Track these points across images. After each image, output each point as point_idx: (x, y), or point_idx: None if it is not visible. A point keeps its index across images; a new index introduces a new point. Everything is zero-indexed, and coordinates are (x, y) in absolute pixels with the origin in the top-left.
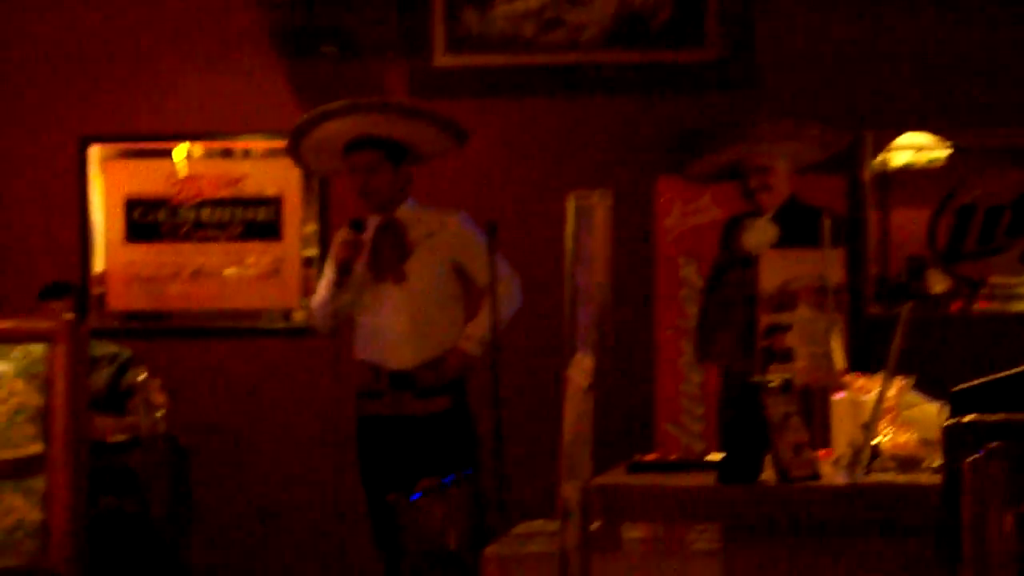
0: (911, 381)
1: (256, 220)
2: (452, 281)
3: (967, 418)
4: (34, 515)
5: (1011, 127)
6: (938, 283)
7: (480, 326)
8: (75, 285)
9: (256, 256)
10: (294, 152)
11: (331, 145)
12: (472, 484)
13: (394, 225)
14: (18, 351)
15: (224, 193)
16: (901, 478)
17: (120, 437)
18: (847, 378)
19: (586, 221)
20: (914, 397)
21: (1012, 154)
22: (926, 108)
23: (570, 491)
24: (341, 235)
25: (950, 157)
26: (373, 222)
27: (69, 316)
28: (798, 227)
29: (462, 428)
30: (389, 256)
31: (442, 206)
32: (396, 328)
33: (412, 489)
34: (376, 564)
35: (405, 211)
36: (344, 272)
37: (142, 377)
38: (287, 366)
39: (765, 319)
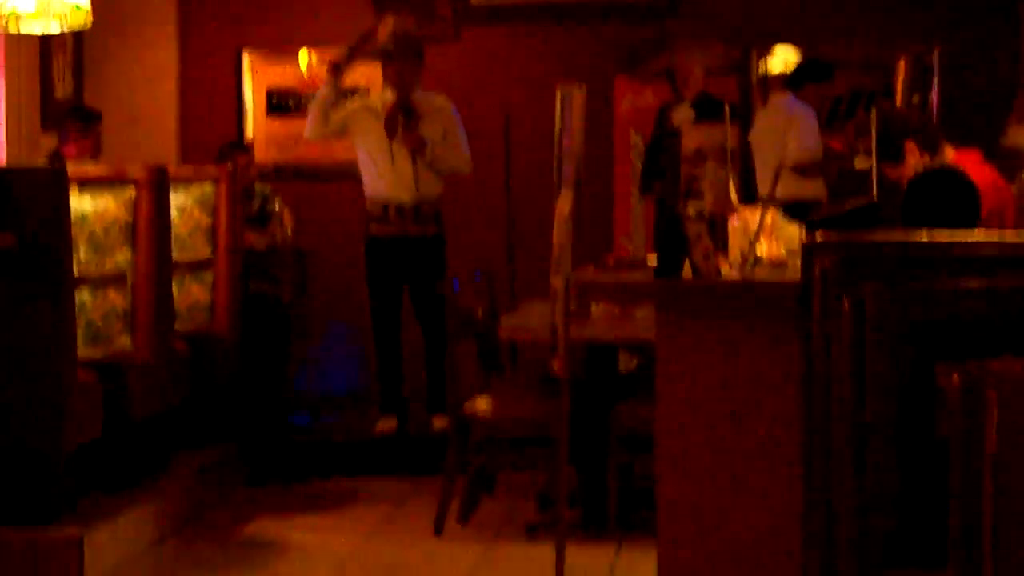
0: (781, 210)
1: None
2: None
3: (818, 236)
4: (205, 297)
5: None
6: None
7: (436, 143)
8: (244, 145)
9: None
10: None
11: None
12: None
13: (409, 106)
14: (195, 188)
15: None
16: (775, 276)
17: (263, 245)
18: (739, 209)
19: (568, 104)
20: (783, 221)
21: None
22: (800, 28)
23: (557, 282)
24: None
25: None
26: (390, 96)
27: (229, 167)
28: (708, 111)
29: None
30: (405, 125)
31: (432, 91)
32: (406, 173)
33: (411, 293)
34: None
35: (416, 93)
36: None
37: (278, 205)
38: None
39: (686, 170)
